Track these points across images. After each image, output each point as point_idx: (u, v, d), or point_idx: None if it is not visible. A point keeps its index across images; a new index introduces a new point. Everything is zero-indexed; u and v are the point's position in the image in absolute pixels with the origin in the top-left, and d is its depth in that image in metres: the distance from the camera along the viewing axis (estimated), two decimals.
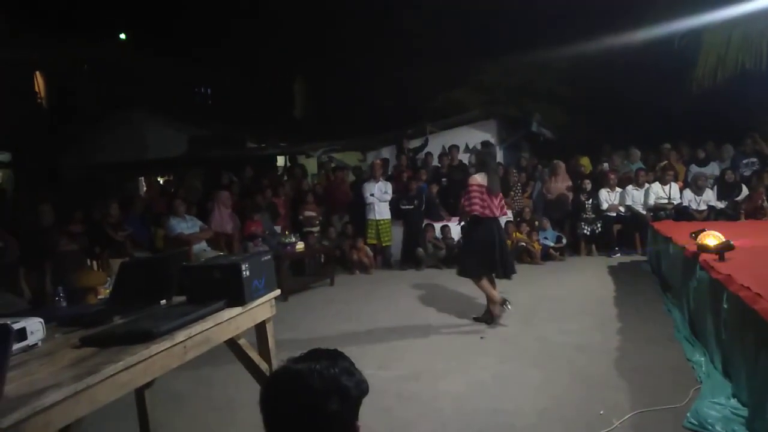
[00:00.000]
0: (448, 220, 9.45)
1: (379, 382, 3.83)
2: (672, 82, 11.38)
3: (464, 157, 10.96)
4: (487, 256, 5.28)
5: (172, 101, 17.48)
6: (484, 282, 5.36)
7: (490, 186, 5.28)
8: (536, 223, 9.31)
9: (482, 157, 5.57)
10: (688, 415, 3.00)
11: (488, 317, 5.41)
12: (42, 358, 1.78)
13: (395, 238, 9.59)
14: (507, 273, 5.44)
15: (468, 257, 5.47)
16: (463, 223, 5.76)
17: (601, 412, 3.20)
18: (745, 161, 9.22)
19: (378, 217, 9.33)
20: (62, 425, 1.50)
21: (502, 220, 9.52)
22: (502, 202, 5.54)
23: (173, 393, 3.87)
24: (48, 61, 16.24)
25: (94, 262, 5.98)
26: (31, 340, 1.86)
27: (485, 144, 5.84)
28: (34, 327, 1.88)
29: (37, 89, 16.84)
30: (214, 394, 3.96)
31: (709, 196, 8.75)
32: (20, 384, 1.52)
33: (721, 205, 8.61)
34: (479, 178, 5.32)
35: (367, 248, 9.18)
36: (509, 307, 5.29)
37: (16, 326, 1.81)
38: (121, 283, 2.32)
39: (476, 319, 5.49)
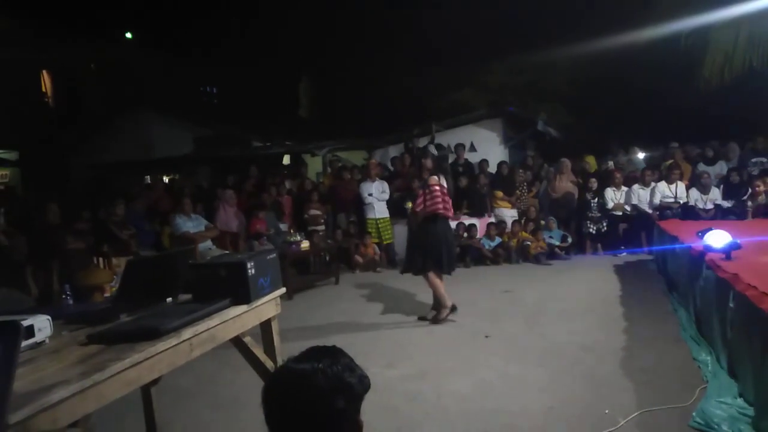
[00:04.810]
0: (455, 219, 9.43)
1: (385, 381, 3.84)
2: (679, 81, 11.34)
3: (470, 156, 10.95)
4: (442, 253, 5.48)
5: (178, 101, 17.54)
6: (436, 278, 5.51)
7: (447, 187, 5.63)
8: (542, 222, 9.29)
9: (439, 161, 5.99)
10: (694, 414, 2.99)
11: (438, 315, 5.49)
12: (49, 355, 1.79)
13: (400, 236, 9.60)
14: (451, 269, 5.65)
15: (424, 254, 5.52)
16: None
17: (607, 411, 3.19)
18: (753, 160, 9.16)
19: (378, 216, 9.40)
20: (70, 421, 1.51)
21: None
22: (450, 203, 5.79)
23: (179, 390, 3.89)
24: (54, 60, 16.33)
25: (101, 261, 6.01)
26: (38, 337, 1.87)
27: (440, 148, 6.23)
28: (42, 324, 1.89)
29: (44, 89, 16.93)
30: (220, 392, 3.97)
31: (716, 195, 8.70)
32: (28, 381, 1.53)
33: (727, 204, 8.57)
34: (440, 180, 5.55)
35: (375, 246, 9.22)
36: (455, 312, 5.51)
37: (24, 323, 1.82)
38: (128, 281, 2.33)
39: (422, 318, 5.59)
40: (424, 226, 5.55)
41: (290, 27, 17.73)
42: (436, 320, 5.45)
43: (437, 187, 5.45)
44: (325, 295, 7.47)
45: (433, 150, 10.42)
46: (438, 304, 5.53)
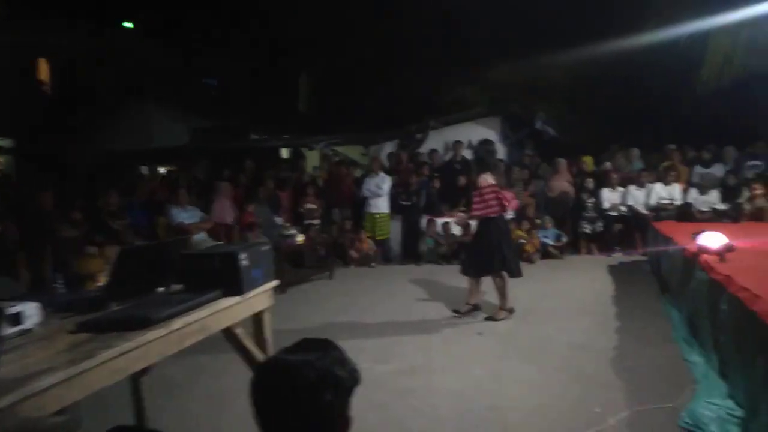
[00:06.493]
0: (450, 216, 9.43)
1: (375, 376, 3.84)
2: (678, 83, 11.34)
3: (468, 154, 10.93)
4: (503, 253, 5.37)
5: (177, 92, 17.44)
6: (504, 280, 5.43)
7: (498, 183, 5.41)
8: (538, 221, 9.30)
9: (486, 157, 5.72)
10: (684, 414, 3.01)
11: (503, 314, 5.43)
12: (38, 342, 1.78)
13: (395, 232, 9.60)
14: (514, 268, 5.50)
15: (489, 255, 5.39)
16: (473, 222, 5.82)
17: (597, 410, 3.20)
18: (749, 163, 9.19)
19: (374, 211, 9.38)
20: (56, 408, 1.50)
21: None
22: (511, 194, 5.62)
23: (169, 381, 3.88)
24: (52, 47, 16.20)
25: (94, 249, 5.99)
26: (27, 324, 1.86)
27: (485, 142, 5.95)
28: (31, 311, 1.88)
29: (41, 76, 16.80)
30: (210, 383, 3.97)
31: (714, 198, 8.73)
32: (15, 367, 1.52)
33: (723, 206, 8.60)
34: (489, 178, 5.37)
35: (370, 241, 9.21)
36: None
37: (12, 310, 1.81)
38: (120, 270, 2.31)
39: (488, 319, 5.42)
40: (484, 228, 5.44)
41: (291, 20, 17.65)
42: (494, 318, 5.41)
43: (488, 188, 5.33)
44: (319, 289, 7.46)
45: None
46: (504, 303, 5.45)
